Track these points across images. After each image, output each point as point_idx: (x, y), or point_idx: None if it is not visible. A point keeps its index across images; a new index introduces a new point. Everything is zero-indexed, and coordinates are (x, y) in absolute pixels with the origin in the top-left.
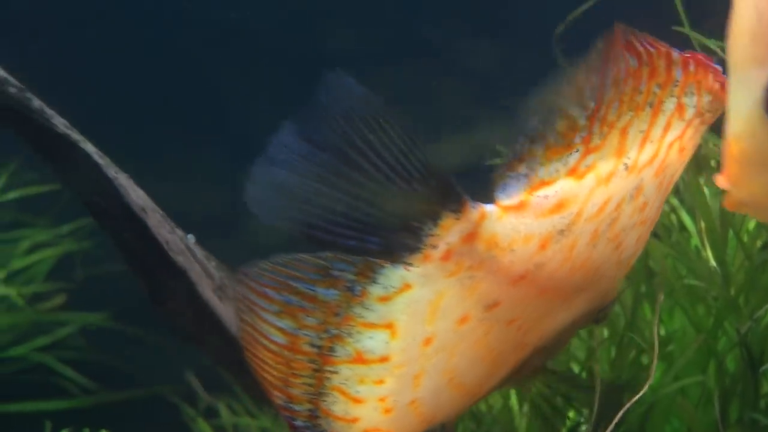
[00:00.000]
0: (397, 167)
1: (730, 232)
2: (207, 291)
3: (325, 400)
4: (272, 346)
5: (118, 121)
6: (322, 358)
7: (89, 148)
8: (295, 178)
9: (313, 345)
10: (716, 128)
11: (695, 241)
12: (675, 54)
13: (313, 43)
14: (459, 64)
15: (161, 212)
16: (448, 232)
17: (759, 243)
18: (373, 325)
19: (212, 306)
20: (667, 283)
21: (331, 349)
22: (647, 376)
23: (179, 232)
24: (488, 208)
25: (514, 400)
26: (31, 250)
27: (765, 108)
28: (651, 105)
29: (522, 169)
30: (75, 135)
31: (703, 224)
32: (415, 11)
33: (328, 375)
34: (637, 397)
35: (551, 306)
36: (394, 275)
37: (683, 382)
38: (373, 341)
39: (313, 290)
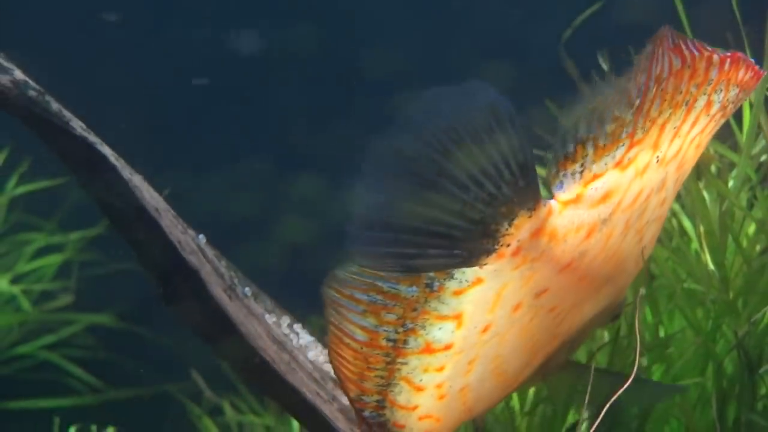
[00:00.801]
0: (490, 171)
1: (729, 237)
2: (217, 290)
3: (392, 391)
4: (354, 344)
5: (161, 129)
6: (396, 351)
7: (106, 150)
8: (390, 200)
9: (389, 339)
10: (716, 135)
11: (695, 245)
12: (716, 56)
13: (346, 65)
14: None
15: (173, 212)
16: (521, 231)
17: (758, 247)
18: (444, 317)
19: (222, 305)
20: (668, 287)
21: (405, 342)
22: (642, 374)
23: (191, 232)
24: (553, 203)
25: (515, 400)
26: (39, 253)
27: None
28: (687, 103)
29: (575, 167)
30: (92, 137)
31: (702, 228)
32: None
33: (399, 366)
34: (623, 389)
35: (583, 296)
36: (469, 270)
37: (682, 383)
38: (441, 332)
39: (396, 288)
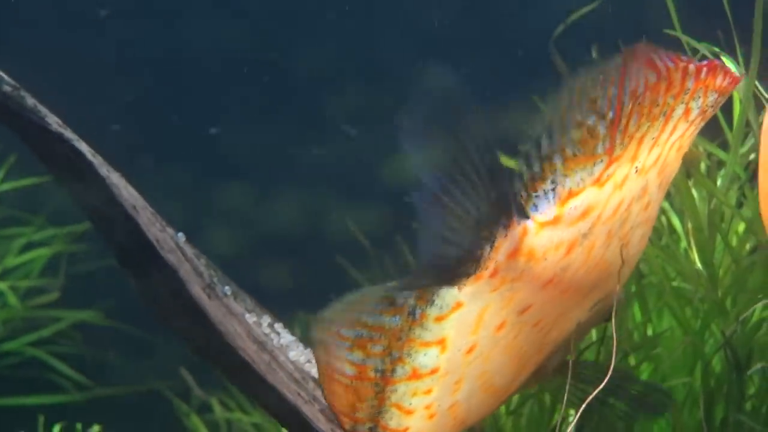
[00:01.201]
0: (467, 190)
1: (718, 236)
2: (196, 289)
3: (383, 417)
4: (344, 379)
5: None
6: (384, 381)
7: (82, 146)
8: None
9: (377, 371)
10: (705, 133)
11: (684, 244)
12: (691, 66)
13: (277, 66)
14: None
15: (152, 210)
16: (498, 252)
17: (747, 246)
18: (428, 344)
19: (201, 304)
20: (656, 285)
21: (393, 371)
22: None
23: (170, 230)
24: (529, 224)
25: None
26: (26, 248)
27: None
28: (664, 114)
29: (547, 185)
30: (68, 134)
31: (691, 226)
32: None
33: (388, 394)
34: (604, 383)
35: (569, 306)
36: (448, 296)
37: (670, 383)
38: (426, 357)
39: (381, 320)
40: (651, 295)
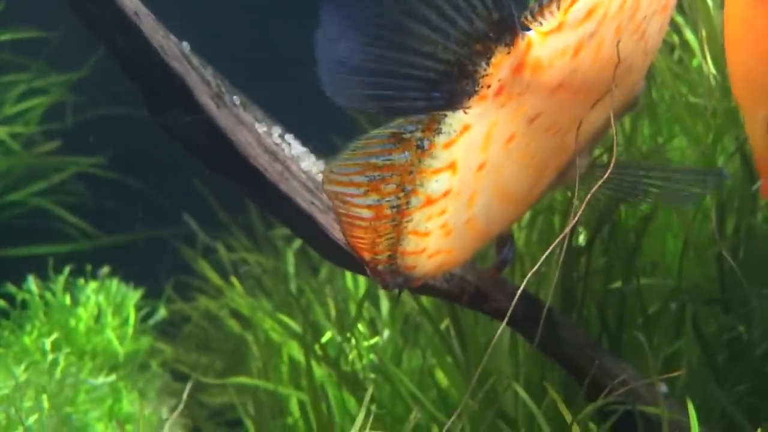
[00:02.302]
0: (461, 5)
1: None
2: (204, 98)
3: (401, 244)
4: (363, 223)
5: None
6: (400, 214)
7: None
8: (357, 48)
9: (392, 207)
10: None
11: (698, 59)
12: None
13: None
14: None
15: (153, 17)
16: (500, 69)
17: None
18: (439, 170)
19: (211, 113)
20: (668, 101)
21: (408, 204)
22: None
23: (173, 37)
24: (532, 35)
25: None
26: (25, 95)
27: None
28: None
29: (552, 6)
30: None
31: (704, 34)
32: None
33: (405, 225)
34: (604, 178)
35: (584, 107)
36: (455, 121)
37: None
38: (438, 183)
39: (390, 158)
40: (661, 108)
